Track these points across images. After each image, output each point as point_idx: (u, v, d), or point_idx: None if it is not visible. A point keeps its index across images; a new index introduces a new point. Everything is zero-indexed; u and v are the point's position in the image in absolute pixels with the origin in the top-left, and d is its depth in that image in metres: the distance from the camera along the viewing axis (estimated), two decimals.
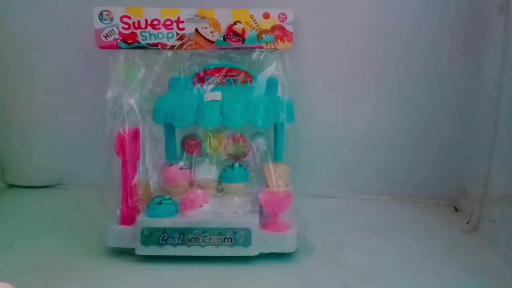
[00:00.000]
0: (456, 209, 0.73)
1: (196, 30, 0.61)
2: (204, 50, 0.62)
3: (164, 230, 0.55)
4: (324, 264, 0.56)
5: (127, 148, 0.57)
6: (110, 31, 0.60)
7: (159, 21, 0.60)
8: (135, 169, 0.58)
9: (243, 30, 0.61)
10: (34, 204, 0.74)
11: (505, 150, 0.60)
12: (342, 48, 0.71)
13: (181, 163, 0.60)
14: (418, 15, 0.68)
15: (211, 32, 0.61)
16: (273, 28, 0.62)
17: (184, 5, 0.61)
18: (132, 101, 0.59)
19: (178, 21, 0.60)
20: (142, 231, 0.55)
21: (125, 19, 0.60)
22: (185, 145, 0.64)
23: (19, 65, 0.74)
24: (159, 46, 0.61)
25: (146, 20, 0.60)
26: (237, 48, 0.62)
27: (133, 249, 0.56)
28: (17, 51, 0.73)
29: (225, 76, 0.63)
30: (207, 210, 0.57)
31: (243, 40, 0.62)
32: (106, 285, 0.52)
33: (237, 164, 0.60)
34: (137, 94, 0.59)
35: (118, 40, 0.60)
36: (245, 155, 0.63)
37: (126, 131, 0.57)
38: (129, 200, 0.57)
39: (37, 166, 0.80)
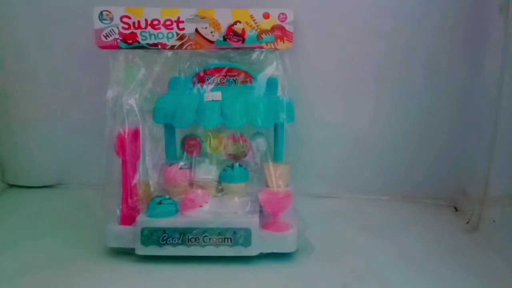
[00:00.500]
0: (456, 209, 0.73)
1: (196, 30, 0.61)
2: (204, 50, 0.62)
3: (164, 230, 0.55)
4: (324, 264, 0.56)
5: (127, 148, 0.57)
6: (110, 31, 0.60)
7: (159, 21, 0.60)
8: (135, 169, 0.58)
9: (243, 30, 0.61)
10: (34, 204, 0.74)
11: (505, 150, 0.60)
12: (342, 48, 0.71)
13: (181, 163, 0.60)
14: (418, 15, 0.68)
15: (211, 32, 0.61)
16: (273, 28, 0.62)
17: (184, 5, 0.61)
18: (132, 101, 0.59)
19: (178, 21, 0.60)
20: (142, 231, 0.55)
21: (125, 19, 0.60)
22: (185, 145, 0.64)
23: (19, 65, 0.74)
24: (159, 46, 0.61)
25: (146, 20, 0.60)
26: (237, 48, 0.62)
27: (133, 249, 0.56)
28: (17, 51, 0.73)
29: (225, 76, 0.63)
30: (207, 210, 0.57)
31: (243, 40, 0.62)
32: (106, 285, 0.52)
33: (237, 164, 0.60)
34: (137, 94, 0.59)
35: (118, 40, 0.60)
36: (245, 155, 0.63)
37: (126, 131, 0.57)
38: (129, 200, 0.57)
39: (37, 166, 0.80)
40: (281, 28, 0.62)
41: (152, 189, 0.59)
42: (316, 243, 0.59)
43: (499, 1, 0.62)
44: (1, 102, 0.77)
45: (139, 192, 0.58)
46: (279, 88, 0.62)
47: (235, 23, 0.61)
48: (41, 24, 0.72)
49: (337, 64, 0.71)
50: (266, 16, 0.61)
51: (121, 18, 0.60)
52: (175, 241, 0.55)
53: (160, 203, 0.56)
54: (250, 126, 0.60)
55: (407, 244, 0.61)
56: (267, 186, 0.59)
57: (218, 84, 0.63)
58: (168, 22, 0.60)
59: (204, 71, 0.63)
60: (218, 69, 0.63)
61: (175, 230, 0.55)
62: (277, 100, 0.61)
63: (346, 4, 0.69)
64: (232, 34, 0.61)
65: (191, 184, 0.60)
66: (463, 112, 0.71)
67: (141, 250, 0.55)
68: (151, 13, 0.60)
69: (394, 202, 0.75)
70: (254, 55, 0.63)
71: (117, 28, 0.60)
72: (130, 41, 0.60)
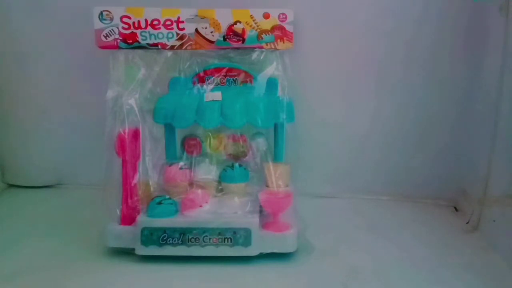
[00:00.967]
0: (456, 209, 0.73)
1: (196, 30, 0.61)
2: (204, 50, 0.62)
3: (164, 230, 0.55)
4: (324, 264, 0.56)
5: (127, 148, 0.57)
6: (110, 31, 0.60)
7: (159, 21, 0.60)
8: (135, 169, 0.58)
9: (243, 30, 0.61)
10: (34, 204, 0.74)
11: (505, 150, 0.60)
12: (342, 48, 0.71)
13: (181, 163, 0.60)
14: (418, 15, 0.68)
15: (211, 32, 0.61)
16: (273, 28, 0.62)
17: (184, 5, 0.61)
18: (132, 101, 0.59)
19: (178, 21, 0.60)
20: (142, 231, 0.55)
21: (125, 19, 0.60)
22: (185, 145, 0.64)
23: (19, 65, 0.74)
24: (159, 46, 0.61)
25: (146, 20, 0.60)
26: (237, 48, 0.62)
27: (133, 249, 0.56)
28: (17, 51, 0.73)
29: (225, 76, 0.63)
30: (207, 210, 0.57)
31: (243, 40, 0.62)
32: (106, 285, 0.52)
33: (237, 164, 0.60)
34: (137, 94, 0.59)
35: (118, 40, 0.60)
36: (245, 155, 0.63)
37: (126, 131, 0.57)
38: (129, 200, 0.57)
39: (37, 166, 0.80)
40: (281, 28, 0.62)
41: (152, 189, 0.59)
42: (316, 243, 0.59)
43: (499, 1, 0.62)
44: (1, 102, 0.77)
45: (139, 192, 0.58)
46: (279, 88, 0.62)
47: (235, 23, 0.61)
48: (41, 24, 0.72)
49: (337, 64, 0.71)
50: (266, 16, 0.61)
51: (121, 18, 0.60)
52: (175, 241, 0.55)
53: (160, 203, 0.56)
54: (250, 126, 0.60)
55: (407, 244, 0.61)
56: (267, 186, 0.59)
57: (218, 84, 0.63)
58: (168, 22, 0.60)
59: (204, 71, 0.63)
60: (218, 69, 0.63)
61: (175, 230, 0.55)
62: (277, 100, 0.61)
63: (346, 4, 0.69)
64: (232, 34, 0.61)
65: (191, 184, 0.60)
66: (463, 112, 0.71)
67: (141, 250, 0.55)
68: (151, 13, 0.60)
69: (394, 202, 0.75)
70: (254, 55, 0.63)
71: (117, 28, 0.60)
72: (130, 41, 0.60)
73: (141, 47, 0.61)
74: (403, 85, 0.71)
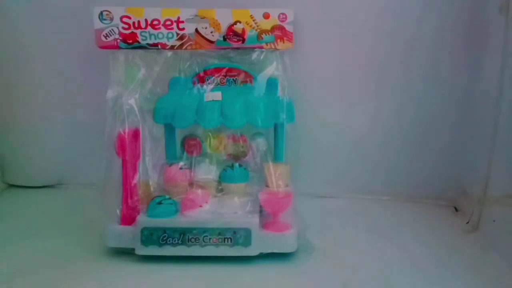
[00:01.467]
0: (456, 209, 0.73)
1: (196, 30, 0.61)
2: (204, 50, 0.62)
3: (164, 230, 0.55)
4: (324, 264, 0.56)
5: (127, 148, 0.57)
6: (110, 31, 0.60)
7: (159, 21, 0.60)
8: (135, 169, 0.58)
9: (243, 30, 0.61)
10: (34, 204, 0.74)
11: (505, 150, 0.60)
12: (342, 48, 0.71)
13: (181, 163, 0.60)
14: (418, 15, 0.68)
15: (211, 32, 0.61)
16: (273, 28, 0.62)
17: (184, 5, 0.61)
18: (132, 101, 0.59)
19: (178, 21, 0.60)
20: (142, 231, 0.55)
21: (125, 19, 0.60)
22: (185, 145, 0.64)
23: (19, 65, 0.74)
24: (159, 46, 0.61)
25: (146, 20, 0.60)
26: (237, 48, 0.62)
27: (133, 249, 0.56)
28: (17, 51, 0.73)
29: (225, 76, 0.63)
30: (207, 210, 0.57)
31: (243, 40, 0.62)
32: (106, 285, 0.52)
33: (237, 164, 0.60)
34: (137, 94, 0.59)
35: (118, 40, 0.60)
36: (245, 155, 0.63)
37: (126, 131, 0.57)
38: (129, 200, 0.57)
39: (37, 166, 0.80)
40: (281, 28, 0.62)
41: (152, 189, 0.59)
42: (316, 243, 0.59)
43: (499, 1, 0.62)
44: (1, 102, 0.77)
45: (139, 192, 0.58)
46: (279, 88, 0.62)
47: (235, 23, 0.61)
48: (41, 24, 0.72)
49: (337, 64, 0.71)
50: (266, 16, 0.61)
51: (121, 18, 0.60)
52: (175, 241, 0.55)
53: (160, 203, 0.56)
54: (250, 126, 0.60)
55: (407, 244, 0.61)
56: (267, 186, 0.59)
57: (218, 84, 0.63)
58: (168, 22, 0.60)
59: (204, 71, 0.63)
60: (218, 69, 0.63)
61: (175, 230, 0.55)
62: (277, 100, 0.61)
63: (346, 4, 0.69)
64: (232, 34, 0.61)
65: (191, 184, 0.60)
66: (463, 112, 0.71)
67: (141, 250, 0.55)
68: (151, 13, 0.60)
69: (394, 202, 0.75)
70: (254, 55, 0.63)
71: (117, 28, 0.60)
72: (130, 41, 0.60)
73: (141, 47, 0.61)
74: (403, 85, 0.72)
